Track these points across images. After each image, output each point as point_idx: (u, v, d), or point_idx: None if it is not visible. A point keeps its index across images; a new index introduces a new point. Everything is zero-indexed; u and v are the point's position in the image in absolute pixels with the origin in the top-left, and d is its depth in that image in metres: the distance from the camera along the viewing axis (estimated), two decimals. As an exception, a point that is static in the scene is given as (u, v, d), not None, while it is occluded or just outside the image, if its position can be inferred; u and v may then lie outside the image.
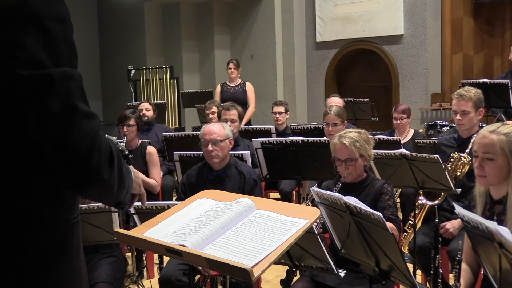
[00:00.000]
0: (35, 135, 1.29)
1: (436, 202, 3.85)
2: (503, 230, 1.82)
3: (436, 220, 3.38)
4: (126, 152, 4.12)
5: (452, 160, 3.89)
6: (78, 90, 1.30)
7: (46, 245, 1.38)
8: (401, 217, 4.54)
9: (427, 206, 3.91)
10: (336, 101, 6.17)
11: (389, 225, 2.46)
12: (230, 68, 7.77)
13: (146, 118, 6.17)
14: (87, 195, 1.43)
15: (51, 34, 1.27)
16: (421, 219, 3.95)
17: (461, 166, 3.88)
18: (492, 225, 1.87)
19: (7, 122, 1.30)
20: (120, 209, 1.64)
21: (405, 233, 3.83)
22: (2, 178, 1.32)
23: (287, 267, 2.81)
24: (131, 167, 1.58)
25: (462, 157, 3.90)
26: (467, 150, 3.92)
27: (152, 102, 7.40)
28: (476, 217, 2.02)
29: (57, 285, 1.41)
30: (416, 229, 3.79)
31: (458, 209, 2.16)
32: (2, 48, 1.23)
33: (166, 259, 3.83)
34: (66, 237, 1.43)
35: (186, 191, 3.80)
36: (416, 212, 3.83)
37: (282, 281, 2.84)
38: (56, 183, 1.36)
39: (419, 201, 3.89)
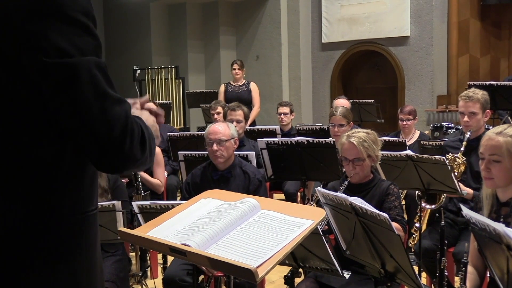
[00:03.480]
0: (68, 123, 1.31)
1: (433, 206, 3.84)
2: (511, 232, 1.80)
3: (442, 223, 3.36)
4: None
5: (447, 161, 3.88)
6: (105, 77, 1.33)
7: (62, 236, 1.38)
8: (406, 218, 4.52)
9: (429, 210, 3.90)
10: (343, 103, 6.15)
11: (395, 225, 2.44)
12: (235, 69, 7.76)
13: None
14: (122, 173, 1.48)
15: (76, 26, 1.29)
16: (426, 222, 3.94)
17: (456, 167, 3.87)
18: (500, 227, 1.85)
19: (32, 112, 1.31)
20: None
21: (413, 235, 3.81)
22: (22, 167, 1.33)
23: (291, 268, 2.80)
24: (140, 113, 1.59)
25: (457, 158, 3.89)
26: (462, 148, 3.92)
27: (156, 102, 7.39)
28: (484, 219, 2.00)
29: (73, 278, 1.41)
30: (422, 231, 3.77)
31: (465, 211, 2.14)
32: (29, 40, 1.24)
33: (170, 259, 3.83)
34: (83, 229, 1.43)
35: (190, 191, 3.79)
36: (420, 214, 3.81)
37: (285, 277, 2.84)
38: (75, 174, 1.39)
39: (422, 205, 3.88)
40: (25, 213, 1.33)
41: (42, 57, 1.24)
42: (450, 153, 3.96)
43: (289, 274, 2.81)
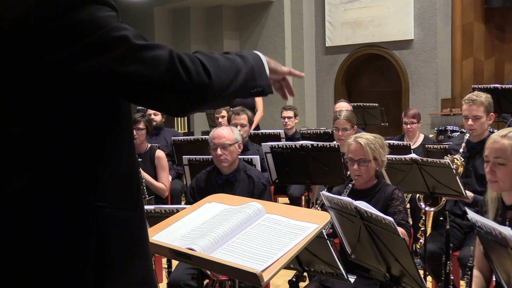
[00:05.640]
0: (114, 89, 1.30)
1: (433, 209, 3.83)
2: (517, 236, 1.79)
3: (447, 226, 3.35)
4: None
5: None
6: (134, 34, 1.31)
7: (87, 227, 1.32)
8: (411, 222, 4.51)
9: (432, 212, 3.89)
10: (343, 106, 6.14)
11: (400, 230, 2.43)
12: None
13: (154, 122, 6.17)
14: (215, 105, 1.41)
15: (98, 13, 1.28)
16: (430, 225, 3.93)
17: (455, 168, 3.86)
18: (506, 231, 1.84)
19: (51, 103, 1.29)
20: (261, 93, 1.50)
21: (420, 240, 3.80)
22: (49, 154, 1.30)
23: (296, 272, 2.80)
24: None
25: (455, 159, 3.88)
26: (461, 150, 3.91)
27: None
28: (490, 223, 1.99)
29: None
30: (427, 235, 3.76)
31: (471, 214, 2.13)
32: (53, 35, 1.25)
33: (174, 263, 3.82)
34: (127, 227, 1.38)
35: (195, 195, 3.79)
36: (424, 218, 3.81)
37: (290, 282, 2.83)
38: (110, 165, 1.36)
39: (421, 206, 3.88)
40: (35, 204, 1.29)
41: (70, 41, 1.24)
42: (449, 155, 3.95)
43: (294, 279, 2.81)
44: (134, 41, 1.28)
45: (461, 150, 3.93)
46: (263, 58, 1.53)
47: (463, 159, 3.90)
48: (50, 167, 1.29)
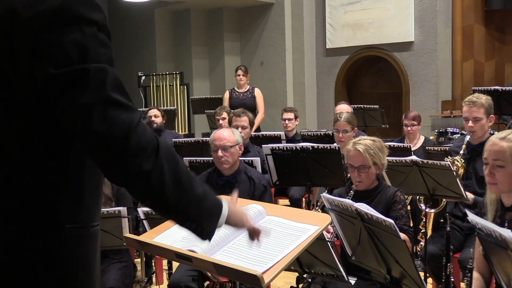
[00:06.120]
0: (72, 128, 1.30)
1: (433, 210, 3.84)
2: (517, 238, 1.80)
3: (448, 228, 3.35)
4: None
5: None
6: (114, 83, 1.30)
7: (59, 248, 1.36)
8: (412, 225, 4.52)
9: (433, 214, 3.89)
10: (344, 108, 6.14)
11: (402, 236, 2.43)
12: (239, 75, 7.77)
13: (155, 125, 6.18)
14: (135, 194, 1.37)
15: (89, 36, 1.29)
16: (431, 227, 3.93)
17: (456, 169, 3.86)
18: (506, 233, 1.85)
19: (35, 120, 1.32)
20: (193, 230, 1.42)
21: (420, 243, 3.80)
22: (24, 175, 1.33)
23: (297, 274, 2.80)
24: (226, 200, 1.49)
25: (456, 160, 3.88)
26: (461, 151, 3.91)
27: (161, 108, 7.40)
28: (490, 225, 1.99)
29: None
30: (428, 237, 3.76)
31: (471, 216, 2.14)
32: (41, 48, 1.26)
33: (175, 265, 3.82)
34: (82, 244, 1.41)
35: (195, 197, 3.79)
36: (424, 220, 3.81)
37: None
38: (76, 185, 1.37)
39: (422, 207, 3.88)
40: (22, 221, 1.32)
41: (52, 65, 1.25)
42: (449, 156, 3.96)
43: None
44: (111, 94, 1.28)
45: (461, 151, 3.94)
46: (225, 209, 1.47)
47: (463, 160, 3.90)
48: (27, 185, 1.33)
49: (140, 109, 8.07)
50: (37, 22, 1.26)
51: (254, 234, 1.56)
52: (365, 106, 7.59)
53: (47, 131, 1.33)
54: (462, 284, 3.64)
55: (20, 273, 1.33)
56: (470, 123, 3.94)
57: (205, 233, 1.43)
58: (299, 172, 4.34)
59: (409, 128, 5.72)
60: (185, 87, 10.01)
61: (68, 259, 1.38)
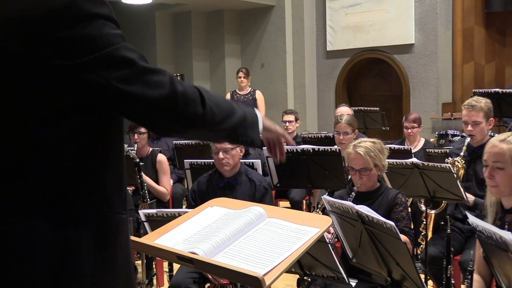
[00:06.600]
0: (112, 104, 1.35)
1: (434, 211, 3.84)
2: (517, 240, 1.80)
3: (448, 230, 3.35)
4: (137, 160, 4.13)
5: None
6: (138, 55, 1.37)
7: (108, 234, 1.38)
8: (413, 227, 4.52)
9: (433, 215, 3.90)
10: (344, 111, 6.15)
11: (403, 237, 2.44)
12: (240, 77, 7.79)
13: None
14: (199, 134, 1.55)
15: (101, 25, 1.34)
16: (431, 229, 3.94)
17: (456, 171, 3.87)
18: (506, 235, 1.85)
19: (74, 116, 1.33)
20: (244, 143, 1.63)
21: (421, 245, 3.80)
22: (49, 162, 1.32)
23: (297, 276, 2.80)
24: None
25: (456, 162, 3.88)
26: (462, 153, 3.92)
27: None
28: (490, 227, 2.00)
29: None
30: (428, 239, 3.76)
31: (471, 218, 2.14)
32: (57, 45, 1.28)
33: (176, 267, 3.83)
34: (123, 230, 1.43)
35: (196, 199, 3.80)
36: (425, 222, 3.81)
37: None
38: (117, 170, 1.43)
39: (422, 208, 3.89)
40: (46, 207, 1.31)
41: (74, 59, 1.28)
42: (449, 158, 3.96)
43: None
44: (140, 63, 1.35)
45: (461, 153, 3.94)
46: (259, 115, 1.66)
47: (464, 162, 3.90)
48: (48, 173, 1.32)
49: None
50: (45, 22, 1.27)
51: (276, 144, 1.77)
52: (366, 108, 7.59)
53: (87, 122, 1.35)
54: (463, 286, 3.64)
55: (72, 261, 1.32)
56: (470, 127, 3.95)
57: (254, 142, 1.63)
58: (299, 174, 4.35)
59: (409, 130, 5.73)
60: (186, 89, 10.00)
61: (113, 246, 1.40)
